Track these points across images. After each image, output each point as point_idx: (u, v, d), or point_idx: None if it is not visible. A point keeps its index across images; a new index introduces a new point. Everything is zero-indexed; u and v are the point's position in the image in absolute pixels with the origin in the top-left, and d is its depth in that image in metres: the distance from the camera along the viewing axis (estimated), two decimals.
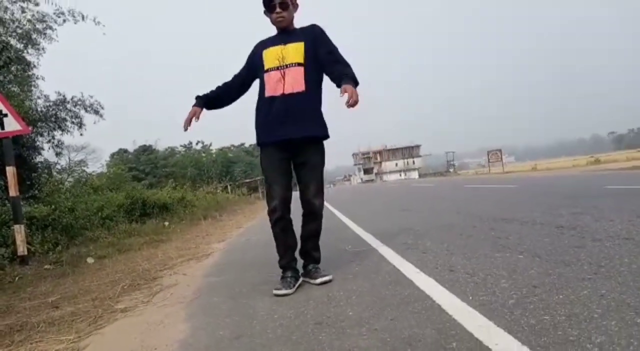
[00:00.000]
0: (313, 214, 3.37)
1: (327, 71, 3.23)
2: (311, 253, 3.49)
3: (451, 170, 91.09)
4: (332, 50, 3.26)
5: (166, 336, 2.59)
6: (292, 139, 3.18)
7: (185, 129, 3.38)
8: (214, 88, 3.50)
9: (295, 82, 3.14)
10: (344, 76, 3.03)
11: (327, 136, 3.35)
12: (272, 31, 3.41)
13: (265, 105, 3.23)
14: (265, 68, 3.23)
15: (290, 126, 3.14)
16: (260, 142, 3.31)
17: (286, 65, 3.17)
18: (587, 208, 5.75)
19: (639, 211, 4.97)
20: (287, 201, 3.27)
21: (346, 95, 2.84)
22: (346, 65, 3.19)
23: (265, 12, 3.29)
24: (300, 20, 3.43)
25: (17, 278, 5.19)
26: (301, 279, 3.38)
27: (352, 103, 2.83)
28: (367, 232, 5.80)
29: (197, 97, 3.43)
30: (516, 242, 3.95)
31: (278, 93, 3.16)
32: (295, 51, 3.19)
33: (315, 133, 3.27)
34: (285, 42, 3.24)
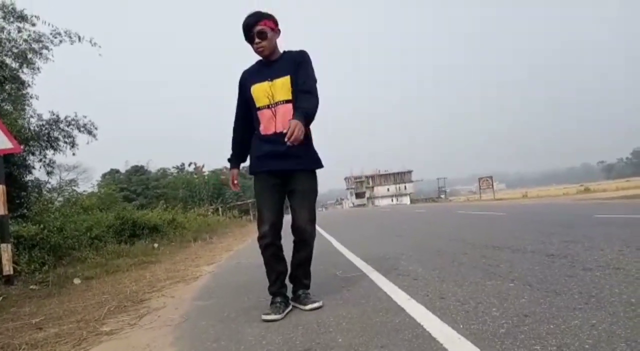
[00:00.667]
0: (304, 241, 3.31)
1: (298, 101, 3.19)
2: (301, 280, 3.45)
3: (442, 196, 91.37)
4: (305, 80, 3.19)
5: None
6: (284, 170, 3.23)
7: (237, 189, 3.73)
8: (232, 143, 3.54)
9: (285, 120, 3.11)
10: (297, 109, 3.06)
11: (320, 167, 3.37)
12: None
13: (261, 143, 3.25)
14: (257, 106, 3.23)
15: (284, 161, 3.18)
16: (253, 171, 3.33)
17: (276, 103, 3.16)
18: (577, 237, 5.76)
19: (629, 241, 4.99)
20: (277, 227, 3.24)
21: (288, 130, 2.84)
22: (309, 97, 3.15)
23: (246, 40, 3.24)
24: (289, 43, 3.42)
25: (1, 298, 5.09)
26: (291, 305, 3.34)
27: (292, 141, 2.83)
28: (358, 257, 5.76)
29: (230, 160, 3.55)
30: (507, 270, 3.94)
31: (271, 132, 3.18)
32: (282, 88, 3.16)
33: (309, 166, 3.29)
34: (271, 78, 3.19)
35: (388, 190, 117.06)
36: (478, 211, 16.88)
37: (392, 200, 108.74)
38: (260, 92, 3.20)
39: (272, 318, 3.07)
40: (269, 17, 3.18)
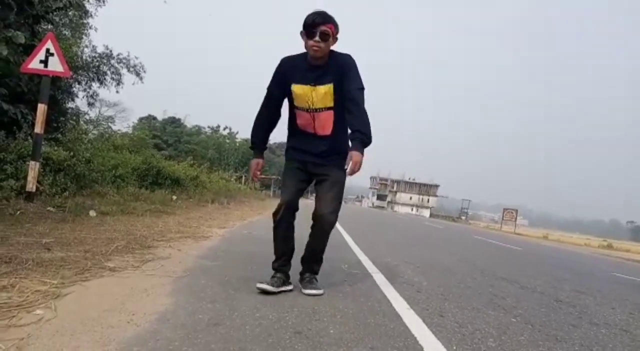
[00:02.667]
0: (323, 230, 3.29)
1: (346, 113, 3.12)
2: (311, 265, 3.46)
3: (463, 217, 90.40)
4: (350, 89, 3.08)
5: (147, 305, 2.57)
6: (312, 162, 3.28)
7: (257, 180, 3.63)
8: (255, 129, 3.39)
9: (324, 126, 3.18)
10: (354, 139, 3.00)
11: (343, 168, 3.24)
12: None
13: (298, 135, 3.30)
14: (296, 106, 3.22)
15: (317, 157, 3.25)
16: (287, 156, 3.39)
17: (315, 109, 3.15)
18: (590, 289, 5.63)
19: None
20: (293, 205, 3.24)
21: (350, 164, 2.92)
22: (361, 118, 3.05)
23: (301, 33, 3.08)
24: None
25: (18, 212, 5.22)
26: (290, 286, 3.34)
27: (351, 174, 2.97)
28: (367, 257, 5.74)
29: (254, 148, 3.43)
30: (512, 305, 3.88)
31: (309, 131, 3.23)
32: (325, 95, 3.11)
33: (340, 165, 3.22)
34: (315, 82, 3.11)
35: (410, 198, 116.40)
36: (495, 240, 16.63)
37: (412, 210, 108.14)
38: (301, 94, 3.15)
39: (265, 287, 3.10)
40: (335, 23, 3.06)
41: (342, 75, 3.10)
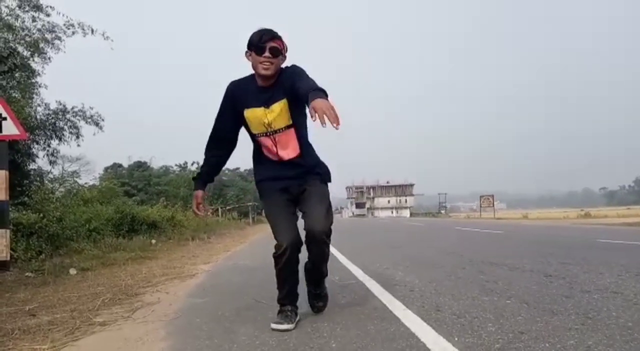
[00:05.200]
0: (321, 253, 2.94)
1: (297, 90, 2.71)
2: (321, 269, 3.11)
3: (443, 211, 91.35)
4: (301, 85, 2.69)
5: None
6: (296, 184, 2.98)
7: (203, 215, 3.22)
8: (204, 160, 3.14)
9: (288, 147, 2.92)
10: (310, 90, 2.49)
11: (328, 180, 3.12)
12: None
13: (265, 163, 3.03)
14: (253, 132, 2.97)
15: (293, 180, 2.97)
16: (261, 187, 3.09)
17: (274, 131, 2.89)
18: (576, 259, 5.75)
19: (629, 266, 4.96)
20: (297, 243, 2.84)
21: (319, 115, 2.22)
22: (313, 82, 2.72)
23: (246, 54, 2.85)
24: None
25: None
26: (298, 316, 3.02)
27: (333, 119, 2.21)
28: (356, 266, 5.75)
29: (195, 180, 3.12)
30: (505, 287, 3.93)
31: (275, 158, 2.96)
32: (280, 114, 2.85)
33: (320, 176, 3.03)
34: (267, 104, 2.86)
35: (389, 202, 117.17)
36: (477, 228, 16.84)
37: (392, 212, 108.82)
38: (255, 119, 2.90)
39: (284, 327, 2.81)
40: (282, 40, 2.84)
41: (293, 79, 2.80)
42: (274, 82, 2.89)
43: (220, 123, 3.05)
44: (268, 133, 2.90)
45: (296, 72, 2.86)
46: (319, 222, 2.81)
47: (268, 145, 2.94)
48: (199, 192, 3.08)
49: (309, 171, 2.99)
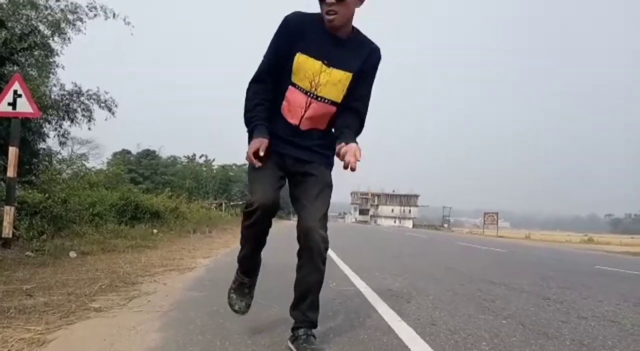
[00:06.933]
0: (317, 253, 2.35)
1: (347, 111, 2.43)
2: (305, 314, 2.43)
3: (446, 225, 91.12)
4: (361, 96, 2.45)
5: (136, 343, 2.53)
6: (291, 156, 2.45)
7: (260, 165, 2.26)
8: (252, 102, 2.40)
9: (317, 120, 2.42)
10: (348, 134, 2.31)
11: (332, 167, 2.56)
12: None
13: (276, 118, 2.43)
14: (293, 80, 2.37)
15: (301, 150, 2.44)
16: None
17: (316, 97, 2.35)
18: (575, 284, 5.72)
19: (628, 296, 4.93)
20: (271, 206, 2.34)
21: (351, 161, 2.15)
22: (358, 122, 2.46)
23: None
24: None
25: None
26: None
27: (354, 165, 2.16)
28: (354, 272, 5.74)
29: (258, 127, 2.33)
30: (501, 307, 3.91)
31: (292, 121, 2.41)
32: (336, 83, 2.35)
33: (329, 164, 2.54)
34: (330, 61, 2.32)
35: (392, 211, 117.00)
36: (479, 245, 16.77)
37: (394, 222, 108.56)
38: (306, 69, 2.32)
39: (235, 309, 2.72)
40: None
41: (367, 70, 2.42)
42: (349, 38, 2.37)
43: (273, 58, 2.39)
44: (309, 93, 2.35)
45: (375, 65, 2.47)
46: (314, 216, 2.34)
47: (297, 103, 2.38)
48: (265, 140, 2.27)
49: (325, 147, 2.48)
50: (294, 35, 2.33)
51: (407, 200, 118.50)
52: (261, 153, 2.23)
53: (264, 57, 2.42)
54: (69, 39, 11.66)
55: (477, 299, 4.26)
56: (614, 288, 5.59)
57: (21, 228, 6.64)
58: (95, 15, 11.39)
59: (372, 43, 2.44)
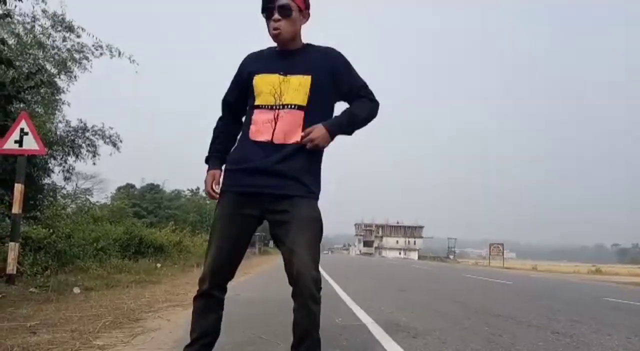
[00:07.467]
0: (310, 297, 2.19)
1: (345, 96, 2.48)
2: None
3: (451, 256, 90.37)
4: (351, 87, 2.45)
5: None
6: (264, 193, 2.27)
7: (214, 197, 2.40)
8: (213, 136, 2.58)
9: (289, 130, 2.28)
10: (339, 115, 2.39)
11: (315, 196, 2.35)
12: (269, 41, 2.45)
13: (243, 151, 2.36)
14: (256, 103, 2.37)
15: (267, 179, 2.25)
16: (223, 189, 2.38)
17: (282, 106, 2.30)
18: (584, 317, 5.63)
19: (637, 329, 4.86)
20: (219, 277, 2.40)
21: (310, 142, 2.22)
22: (367, 107, 2.45)
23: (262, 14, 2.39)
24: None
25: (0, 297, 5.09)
26: None
27: (309, 143, 2.23)
28: (359, 307, 5.68)
29: (211, 158, 2.51)
30: (509, 342, 3.86)
31: (263, 138, 2.29)
32: (297, 88, 2.32)
33: (300, 193, 2.27)
34: (286, 71, 2.35)
35: (397, 242, 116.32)
36: (485, 277, 16.61)
37: (399, 253, 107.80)
38: (266, 85, 2.34)
39: None
40: None
41: (333, 74, 2.40)
42: (300, 50, 2.43)
43: (231, 97, 2.56)
44: (274, 107, 2.31)
45: (342, 67, 2.45)
46: (305, 260, 2.18)
47: (265, 120, 2.31)
48: (216, 172, 2.47)
49: (300, 170, 2.28)
50: (249, 65, 2.47)
51: (412, 231, 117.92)
52: (216, 189, 2.41)
53: (222, 100, 2.60)
54: (75, 76, 11.91)
55: (485, 333, 4.20)
56: (624, 321, 5.51)
57: (25, 263, 6.64)
58: (101, 54, 11.67)
59: (324, 47, 2.50)
